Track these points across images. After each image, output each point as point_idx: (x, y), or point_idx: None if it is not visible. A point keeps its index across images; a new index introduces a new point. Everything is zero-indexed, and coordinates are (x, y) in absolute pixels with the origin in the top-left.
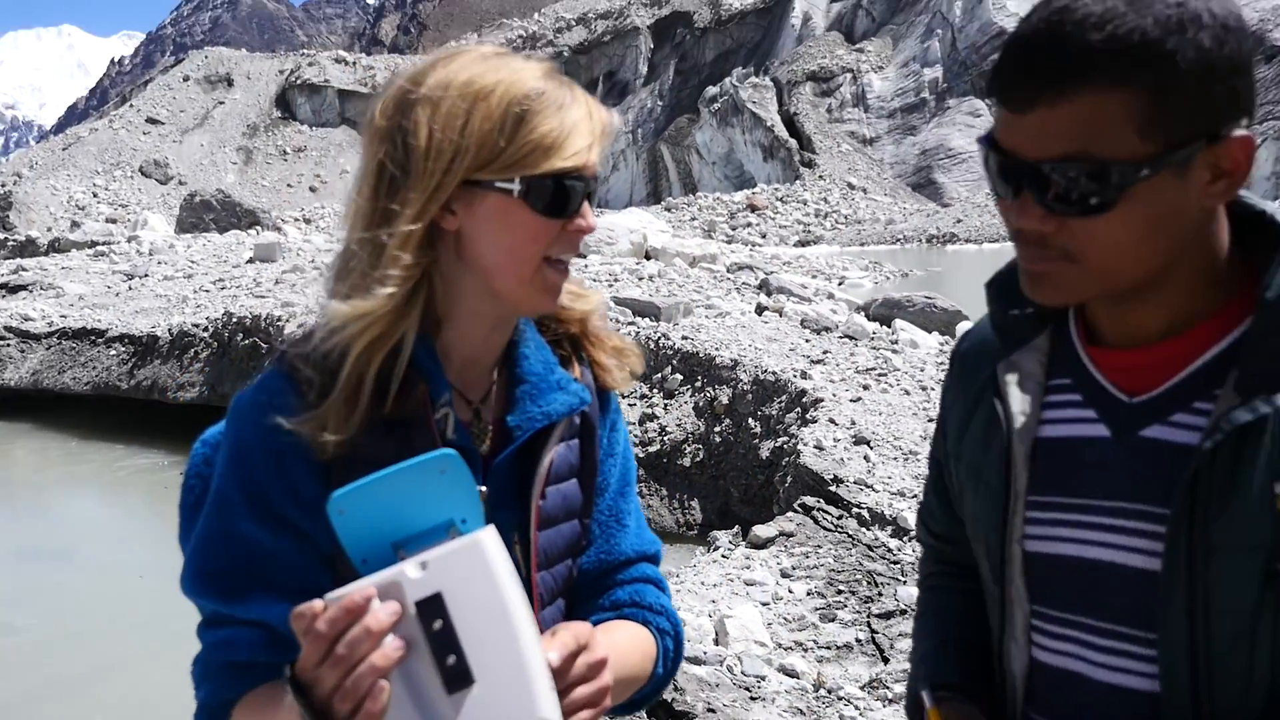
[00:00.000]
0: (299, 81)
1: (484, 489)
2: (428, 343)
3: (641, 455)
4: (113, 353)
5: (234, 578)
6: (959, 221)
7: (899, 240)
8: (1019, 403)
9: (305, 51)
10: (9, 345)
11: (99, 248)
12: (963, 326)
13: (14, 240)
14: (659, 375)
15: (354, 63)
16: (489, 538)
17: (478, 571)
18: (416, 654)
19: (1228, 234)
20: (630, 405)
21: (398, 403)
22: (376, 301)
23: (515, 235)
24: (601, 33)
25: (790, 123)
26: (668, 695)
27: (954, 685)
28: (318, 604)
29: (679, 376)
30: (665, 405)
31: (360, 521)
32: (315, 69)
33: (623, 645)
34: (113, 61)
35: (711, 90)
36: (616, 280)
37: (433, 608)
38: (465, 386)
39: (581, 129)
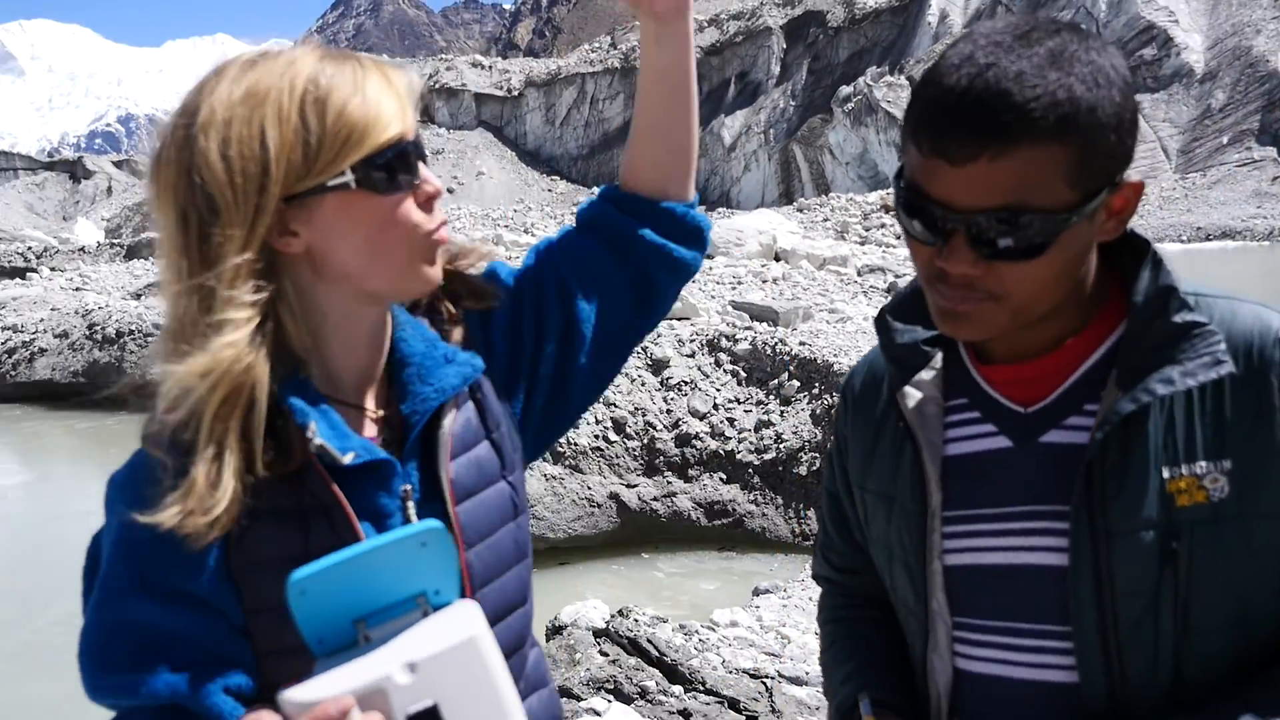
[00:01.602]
0: (437, 85)
1: (408, 486)
2: (294, 379)
3: (757, 463)
4: None
5: (136, 668)
6: None
7: None
8: (924, 425)
9: (443, 56)
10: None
11: None
12: None
13: (155, 258)
14: (775, 381)
15: (490, 66)
16: (481, 630)
17: (475, 676)
18: None
19: (1095, 258)
20: (746, 411)
21: (281, 456)
22: (216, 354)
23: (371, 226)
24: (734, 34)
25: None
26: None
27: (885, 701)
28: (269, 718)
29: (796, 383)
30: (781, 412)
31: (322, 601)
32: (453, 73)
33: None
34: None
35: (845, 90)
36: (740, 283)
37: None
38: (364, 399)
39: (385, 95)
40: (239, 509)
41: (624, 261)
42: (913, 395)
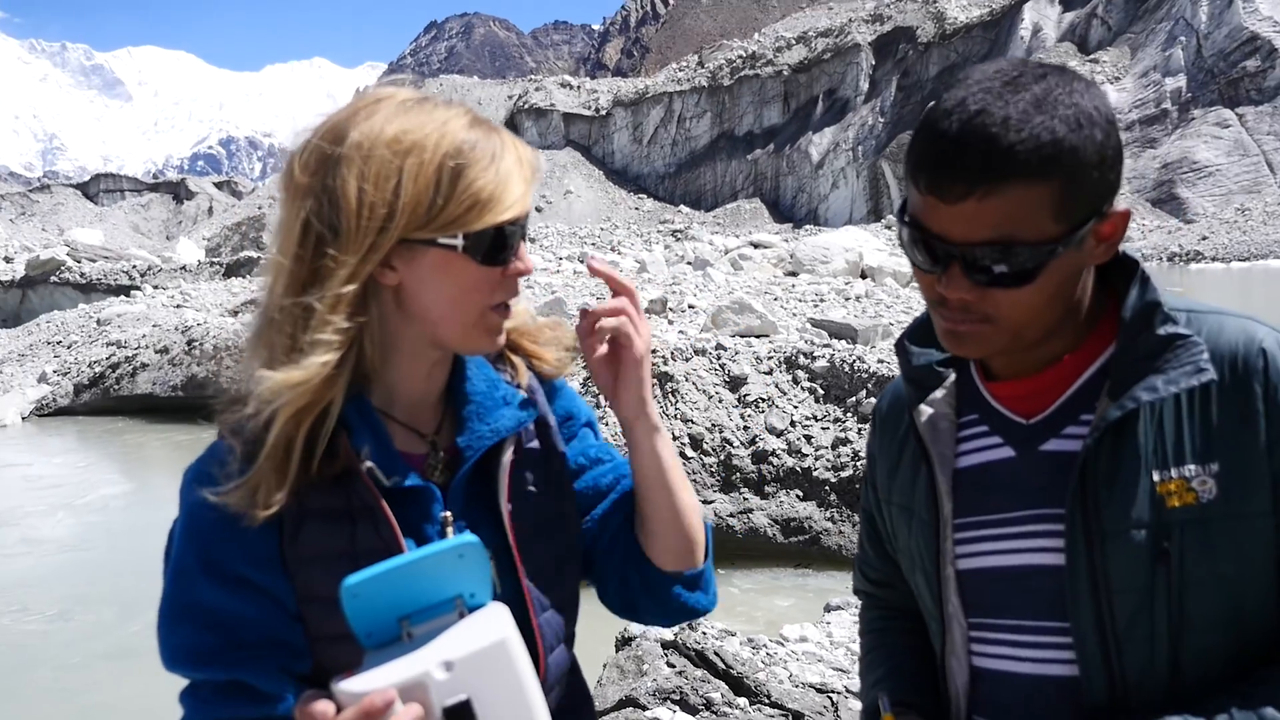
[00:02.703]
0: (526, 106)
1: (448, 514)
2: (357, 398)
3: (833, 480)
4: None
5: (203, 646)
6: (1204, 239)
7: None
8: (937, 440)
9: (533, 77)
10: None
11: None
12: None
13: (265, 258)
14: (853, 399)
15: (578, 86)
16: (511, 633)
17: (504, 675)
18: None
19: (1092, 278)
20: (823, 429)
21: (329, 459)
22: (310, 371)
23: (459, 287)
24: (822, 51)
25: None
26: None
27: (907, 702)
28: (327, 707)
29: (873, 400)
30: (859, 430)
31: (371, 602)
32: (542, 93)
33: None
34: (357, 91)
35: None
36: (822, 300)
37: (461, 715)
38: (417, 421)
39: (515, 177)
40: (307, 491)
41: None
42: (926, 412)
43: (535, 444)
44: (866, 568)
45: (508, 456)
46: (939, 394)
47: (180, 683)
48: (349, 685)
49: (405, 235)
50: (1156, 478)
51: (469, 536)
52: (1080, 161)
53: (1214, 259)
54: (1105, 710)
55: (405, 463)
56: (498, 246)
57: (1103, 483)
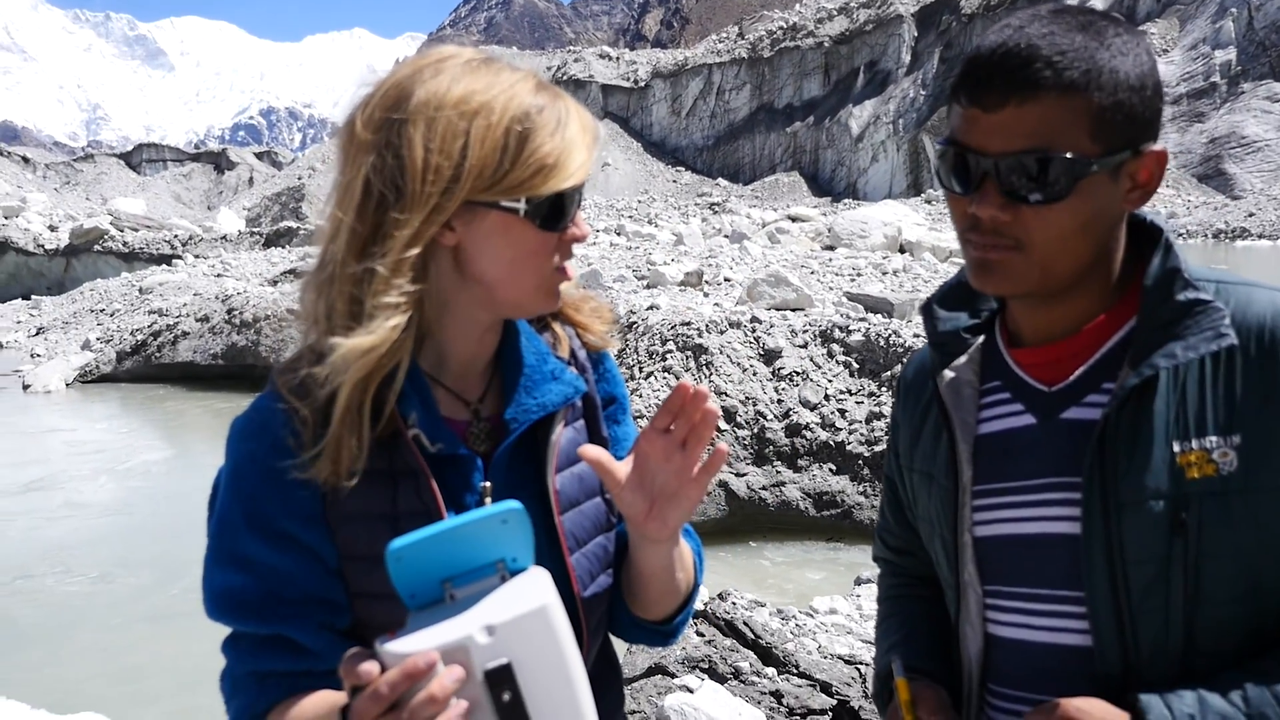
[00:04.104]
0: (565, 77)
1: (487, 484)
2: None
3: (867, 454)
4: None
5: (245, 598)
6: (1251, 215)
7: (1181, 235)
8: (959, 407)
9: (572, 48)
10: (293, 326)
11: None
12: None
13: (305, 229)
14: (888, 373)
15: (617, 58)
16: (552, 599)
17: (545, 640)
18: (479, 716)
19: (1124, 241)
20: (858, 403)
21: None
22: (380, 335)
23: (518, 250)
24: (863, 22)
25: None
26: None
27: (919, 669)
28: (371, 666)
29: None
30: (893, 404)
31: (415, 565)
32: (580, 65)
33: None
34: (397, 61)
35: None
36: (859, 275)
37: (502, 678)
38: (463, 388)
39: (579, 144)
40: None
41: None
42: (949, 377)
43: (581, 422)
44: (887, 535)
45: (558, 432)
46: (963, 360)
47: (218, 639)
48: (393, 646)
49: (469, 198)
50: (1177, 448)
51: (513, 503)
52: (1119, 82)
53: (1261, 236)
54: (1118, 680)
55: (449, 429)
56: (557, 212)
57: (1122, 452)
